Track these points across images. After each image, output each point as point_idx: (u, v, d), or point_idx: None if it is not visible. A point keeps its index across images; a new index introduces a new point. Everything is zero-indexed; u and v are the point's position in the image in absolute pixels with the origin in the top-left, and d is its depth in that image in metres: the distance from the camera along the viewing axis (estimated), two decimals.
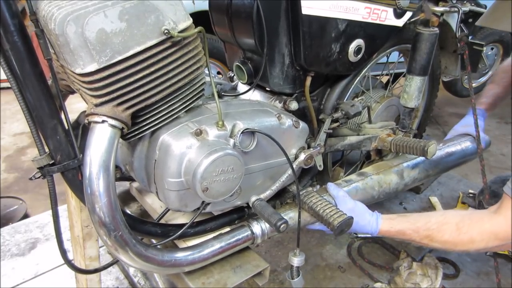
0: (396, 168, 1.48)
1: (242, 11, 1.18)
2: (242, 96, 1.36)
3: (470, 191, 2.24)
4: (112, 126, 0.85)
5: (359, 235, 1.91)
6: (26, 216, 2.29)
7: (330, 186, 1.26)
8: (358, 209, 1.21)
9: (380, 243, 1.88)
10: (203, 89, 1.03)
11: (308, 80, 1.30)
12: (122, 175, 1.16)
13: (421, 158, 1.53)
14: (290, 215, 1.17)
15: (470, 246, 1.12)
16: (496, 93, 1.74)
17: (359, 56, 1.33)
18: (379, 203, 1.80)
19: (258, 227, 1.10)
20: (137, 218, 1.05)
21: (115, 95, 0.84)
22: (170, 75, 0.90)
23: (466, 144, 1.65)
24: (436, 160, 1.55)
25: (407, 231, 1.19)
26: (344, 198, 1.22)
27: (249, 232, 1.09)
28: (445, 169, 1.64)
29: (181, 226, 1.06)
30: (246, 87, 1.39)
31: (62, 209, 2.02)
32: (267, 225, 1.10)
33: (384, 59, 1.68)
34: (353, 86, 1.46)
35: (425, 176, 1.55)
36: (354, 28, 1.26)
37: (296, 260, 1.12)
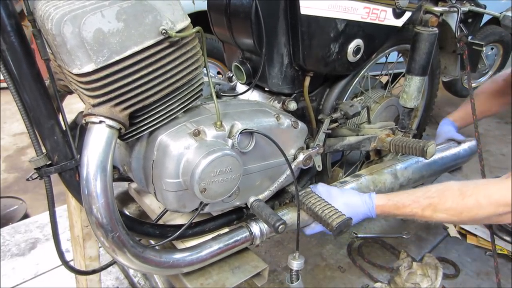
0: (389, 168, 1.49)
1: (240, 11, 1.18)
2: (241, 96, 1.36)
3: None
4: (110, 126, 0.85)
5: (359, 235, 1.91)
6: (26, 216, 2.29)
7: (311, 187, 1.23)
8: (346, 192, 1.19)
9: (380, 243, 1.88)
10: (201, 89, 1.03)
11: (307, 80, 1.30)
12: (120, 176, 1.16)
13: (413, 159, 1.53)
14: (289, 215, 1.17)
15: (477, 212, 1.03)
16: (469, 111, 1.64)
17: (358, 56, 1.32)
18: None
19: (257, 228, 1.09)
20: (135, 219, 1.05)
21: (112, 95, 0.83)
22: (168, 75, 0.89)
23: (457, 148, 1.68)
24: (428, 162, 1.56)
25: (407, 202, 1.13)
26: (326, 188, 1.19)
27: (248, 233, 1.08)
28: (438, 172, 1.65)
29: (179, 227, 1.06)
30: (244, 87, 1.38)
31: (62, 209, 2.03)
32: (266, 226, 1.10)
33: (383, 59, 1.68)
34: (352, 86, 1.45)
35: (419, 177, 1.56)
36: (353, 28, 1.26)
37: (296, 264, 1.10)
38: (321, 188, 1.21)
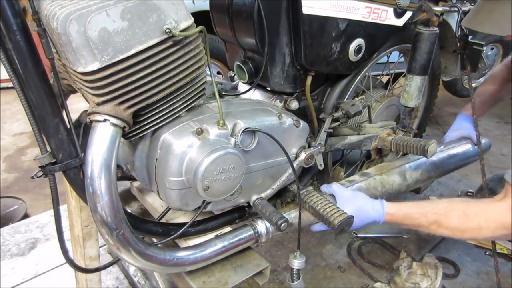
0: (399, 169, 1.47)
1: (243, 10, 1.19)
2: (243, 96, 1.36)
3: (470, 190, 2.24)
4: (114, 125, 0.85)
5: (359, 235, 1.92)
6: (26, 216, 2.29)
7: (323, 187, 1.25)
8: (358, 197, 1.20)
9: (380, 243, 1.88)
10: (204, 88, 1.03)
11: (309, 80, 1.30)
12: (123, 174, 1.16)
13: (423, 160, 1.53)
14: (292, 215, 1.17)
15: (478, 233, 1.10)
16: (484, 100, 1.70)
17: (360, 55, 1.33)
18: None
19: (263, 226, 1.10)
20: (138, 217, 1.06)
21: (116, 94, 0.84)
22: (172, 74, 0.90)
23: (467, 147, 1.66)
24: (438, 162, 1.56)
25: (415, 214, 1.17)
26: (340, 189, 1.20)
27: (252, 231, 1.09)
28: (446, 171, 1.64)
29: (182, 225, 1.06)
30: (246, 87, 1.39)
31: (62, 209, 2.01)
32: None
33: (384, 59, 1.69)
34: (353, 85, 1.46)
35: (427, 177, 1.55)
36: (355, 28, 1.27)
37: (297, 263, 1.11)
38: (336, 188, 1.22)
